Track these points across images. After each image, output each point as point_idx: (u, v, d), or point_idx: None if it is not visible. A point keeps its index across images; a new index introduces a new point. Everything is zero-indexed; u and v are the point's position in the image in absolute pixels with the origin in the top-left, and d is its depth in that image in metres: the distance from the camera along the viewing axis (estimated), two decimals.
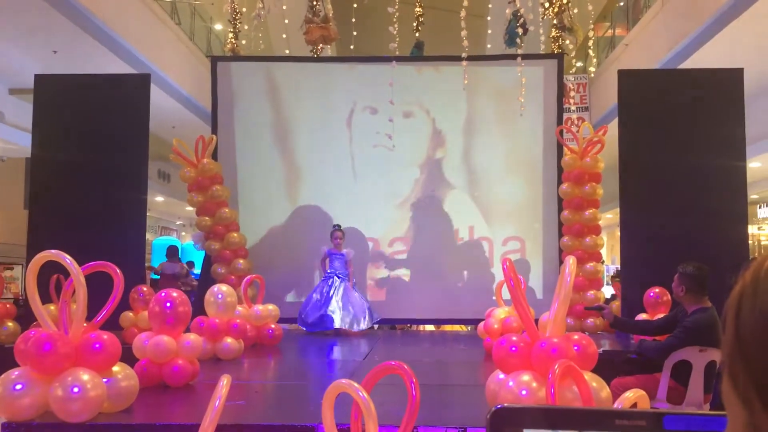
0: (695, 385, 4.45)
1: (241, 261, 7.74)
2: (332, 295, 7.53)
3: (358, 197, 8.44)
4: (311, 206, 8.61)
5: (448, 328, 9.31)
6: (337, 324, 7.37)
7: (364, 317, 7.54)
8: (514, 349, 3.01)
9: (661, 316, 5.65)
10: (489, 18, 10.73)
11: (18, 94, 10.43)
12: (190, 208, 8.27)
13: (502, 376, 3.04)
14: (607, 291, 9.13)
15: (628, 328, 5.58)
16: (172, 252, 10.57)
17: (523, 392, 2.84)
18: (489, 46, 10.01)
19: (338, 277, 7.61)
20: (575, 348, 2.95)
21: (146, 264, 10.24)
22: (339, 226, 7.85)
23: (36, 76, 7.42)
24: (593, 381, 2.85)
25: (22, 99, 10.09)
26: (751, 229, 11.92)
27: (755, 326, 0.62)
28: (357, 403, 2.10)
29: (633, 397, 2.27)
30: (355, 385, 2.11)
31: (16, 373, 3.08)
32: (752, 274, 0.66)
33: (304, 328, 7.56)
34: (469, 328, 8.69)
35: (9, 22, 8.15)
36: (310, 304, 7.60)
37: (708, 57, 8.41)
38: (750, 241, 8.13)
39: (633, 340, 6.05)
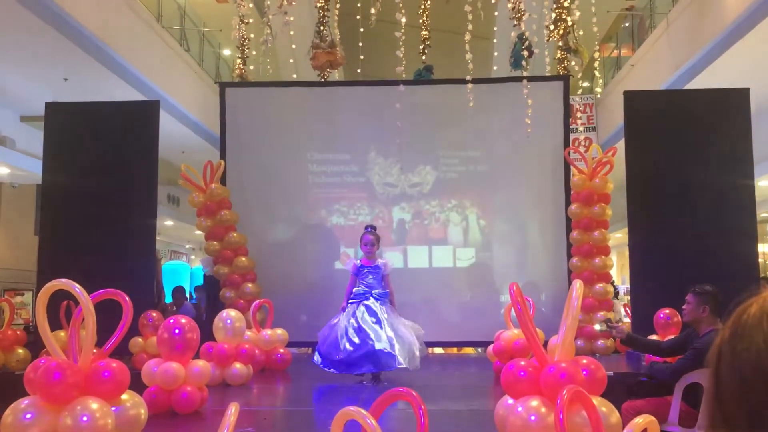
0: (705, 402, 4.40)
1: (250, 285, 7.75)
2: (379, 323, 5.65)
3: (365, 219, 8.45)
4: (320, 230, 8.63)
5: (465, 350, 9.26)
6: (403, 364, 5.43)
7: (417, 353, 5.64)
8: (522, 374, 3.00)
9: (671, 337, 5.61)
10: (495, 40, 10.80)
11: (29, 122, 10.54)
12: (199, 232, 8.28)
13: (510, 401, 3.03)
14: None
15: (640, 345, 5.39)
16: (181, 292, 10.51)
17: (532, 418, 2.83)
18: (495, 68, 10.06)
19: (375, 298, 5.82)
20: (584, 372, 2.94)
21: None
22: (373, 227, 6.19)
23: (47, 103, 7.50)
24: (602, 406, 2.83)
25: (33, 126, 10.19)
26: (762, 248, 11.83)
27: (734, 388, 0.61)
28: (365, 431, 2.10)
29: (643, 422, 2.26)
30: (364, 412, 2.11)
31: (26, 402, 3.09)
32: (730, 330, 0.65)
33: (335, 371, 5.66)
34: (480, 350, 8.65)
35: (20, 50, 8.26)
36: (342, 339, 5.62)
37: (713, 77, 8.42)
38: (761, 260, 8.08)
39: (644, 362, 6.00)
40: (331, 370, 5.66)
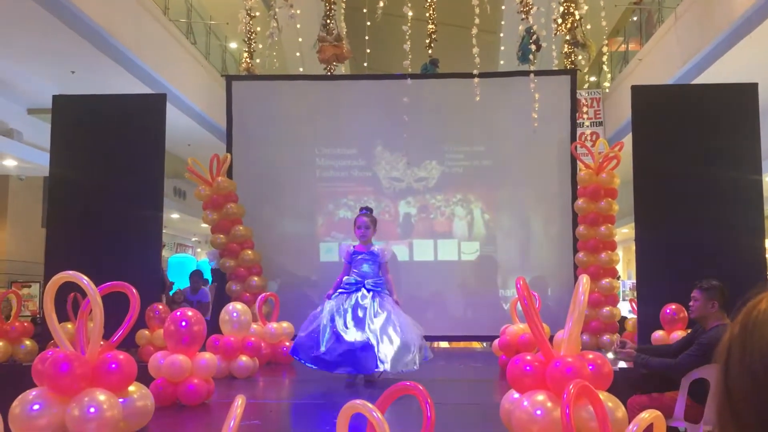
0: (714, 398, 4.39)
1: (256, 278, 7.76)
2: (364, 319, 5.02)
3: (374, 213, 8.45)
4: (327, 223, 8.64)
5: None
6: (384, 366, 4.85)
7: (413, 351, 5.01)
8: (528, 368, 3.00)
9: (678, 333, 5.60)
10: (502, 35, 10.77)
11: (36, 114, 10.59)
12: (205, 225, 8.30)
13: (516, 395, 3.03)
14: (624, 307, 9.04)
15: (652, 365, 4.92)
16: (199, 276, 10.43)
17: (538, 412, 2.83)
18: (502, 62, 10.03)
19: (368, 289, 5.20)
20: (590, 367, 2.94)
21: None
22: (368, 209, 5.65)
23: (54, 96, 7.52)
24: (609, 401, 2.83)
25: (41, 119, 10.24)
26: None
27: (744, 385, 0.61)
28: (371, 424, 2.10)
29: (649, 417, 2.26)
30: (370, 405, 2.11)
31: (34, 393, 3.10)
32: (740, 327, 0.64)
33: (312, 366, 5.13)
34: (484, 344, 8.66)
35: (28, 43, 8.29)
36: (323, 334, 5.04)
37: (722, 72, 8.38)
38: None
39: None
40: (308, 365, 5.13)
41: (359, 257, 5.35)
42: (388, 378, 4.99)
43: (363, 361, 4.92)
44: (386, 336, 4.95)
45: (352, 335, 4.95)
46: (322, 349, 4.96)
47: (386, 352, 4.88)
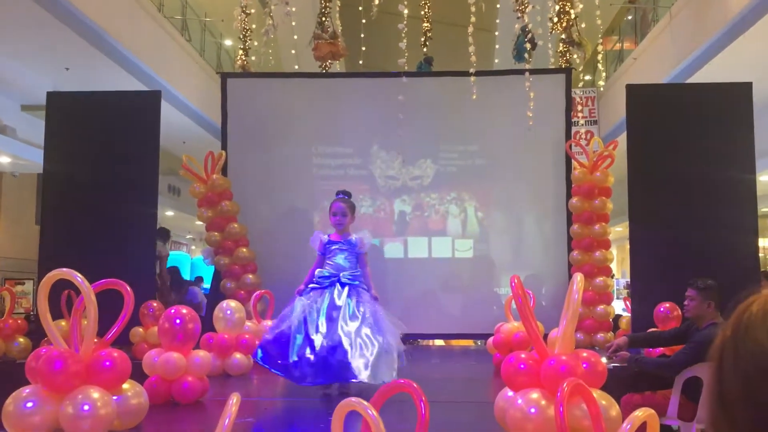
0: (707, 401, 4.41)
1: (251, 276, 7.76)
2: (336, 320, 4.38)
3: (367, 211, 8.46)
4: (322, 221, 8.62)
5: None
6: (362, 375, 4.20)
7: (394, 357, 4.40)
8: (522, 366, 3.01)
9: (671, 329, 5.61)
10: (497, 33, 10.77)
11: (30, 111, 10.53)
12: (200, 223, 8.29)
13: (510, 393, 3.04)
14: (618, 305, 9.07)
15: (645, 365, 4.97)
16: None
17: (532, 410, 2.84)
18: (497, 60, 10.02)
19: (343, 284, 4.58)
20: (584, 365, 2.95)
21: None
22: (345, 193, 5.04)
23: (48, 93, 7.49)
24: (602, 399, 2.84)
25: (35, 115, 10.18)
26: (762, 242, 11.84)
27: (737, 387, 0.60)
28: (366, 422, 2.10)
29: (642, 416, 2.27)
30: (365, 403, 2.11)
31: (27, 390, 3.10)
32: (732, 329, 0.64)
33: (280, 374, 4.52)
34: (478, 342, 8.67)
35: (22, 39, 8.25)
36: (293, 340, 4.39)
37: (716, 71, 8.40)
38: (761, 254, 8.09)
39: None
40: (275, 371, 4.51)
41: (334, 247, 4.75)
42: (371, 386, 4.25)
43: (336, 369, 4.28)
44: (361, 340, 4.31)
45: (319, 340, 4.31)
46: (294, 358, 4.34)
47: (362, 359, 4.25)
